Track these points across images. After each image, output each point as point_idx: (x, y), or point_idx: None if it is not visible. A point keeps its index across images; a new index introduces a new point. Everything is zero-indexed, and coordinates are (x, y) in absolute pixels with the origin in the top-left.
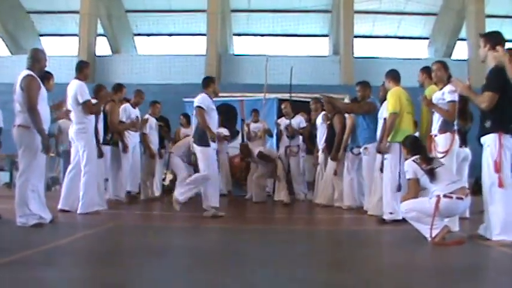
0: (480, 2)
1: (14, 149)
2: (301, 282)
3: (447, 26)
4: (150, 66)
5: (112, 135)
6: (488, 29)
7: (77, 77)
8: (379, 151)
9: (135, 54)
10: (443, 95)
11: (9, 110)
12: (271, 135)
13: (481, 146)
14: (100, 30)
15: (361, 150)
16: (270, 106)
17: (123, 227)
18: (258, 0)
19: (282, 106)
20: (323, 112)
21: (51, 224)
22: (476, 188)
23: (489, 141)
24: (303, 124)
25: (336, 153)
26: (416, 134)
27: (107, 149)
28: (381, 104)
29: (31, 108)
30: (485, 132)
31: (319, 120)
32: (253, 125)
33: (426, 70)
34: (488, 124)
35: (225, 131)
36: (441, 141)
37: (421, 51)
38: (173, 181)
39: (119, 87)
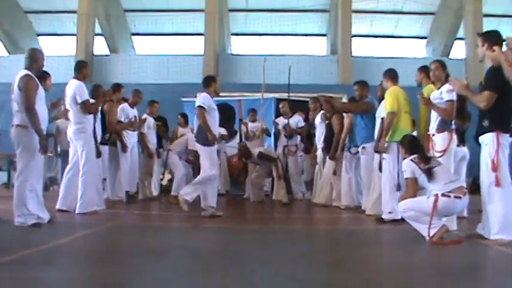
0: (478, 1)
1: (12, 149)
2: (301, 282)
3: (445, 25)
4: (148, 66)
5: (110, 135)
6: (486, 28)
7: (75, 77)
8: (376, 150)
9: (133, 54)
10: (442, 94)
11: (7, 110)
12: (269, 135)
13: (479, 145)
14: (98, 29)
15: (359, 149)
16: (268, 106)
17: (121, 226)
18: (255, 0)
19: (280, 106)
20: (321, 111)
21: (49, 224)
22: (474, 187)
23: (487, 140)
24: (301, 123)
25: (334, 152)
26: (414, 133)
27: (104, 149)
28: (379, 104)
29: (29, 108)
30: (483, 131)
31: (317, 119)
32: (251, 125)
33: (424, 69)
34: (486, 123)
35: (222, 131)
36: (439, 141)
37: (419, 50)
38: (171, 181)
39: (117, 87)
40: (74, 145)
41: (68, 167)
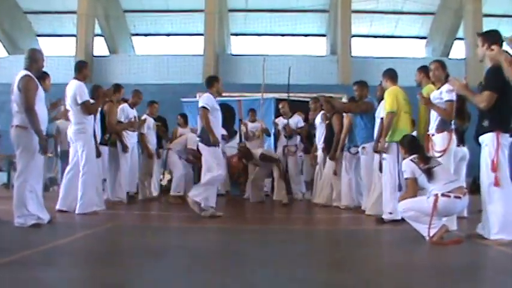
0: (478, 1)
1: (12, 149)
2: (301, 282)
3: (445, 25)
4: (148, 67)
5: (110, 136)
6: (485, 28)
7: (76, 77)
8: (376, 150)
9: (132, 55)
10: (441, 94)
11: (6, 111)
12: (268, 135)
13: (479, 145)
14: (98, 30)
15: (359, 149)
16: (268, 106)
17: (121, 227)
18: (255, 0)
19: (280, 106)
20: (322, 112)
21: (49, 225)
22: (474, 187)
23: (487, 140)
24: (301, 124)
25: (334, 152)
26: (414, 133)
27: (104, 150)
28: (378, 104)
29: (28, 108)
30: (483, 131)
31: (318, 119)
32: (250, 125)
33: (424, 69)
34: (486, 123)
35: (222, 131)
36: (438, 141)
37: (419, 50)
38: (171, 181)
39: (117, 87)
40: (74, 145)
41: (68, 168)
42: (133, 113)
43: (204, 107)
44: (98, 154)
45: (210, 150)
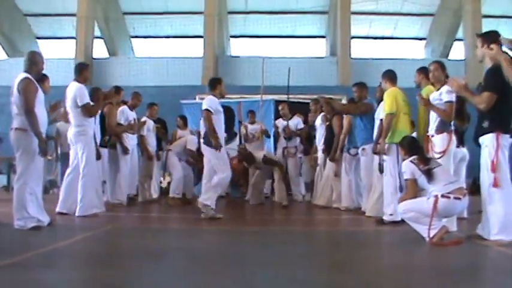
0: (477, 1)
1: (12, 152)
2: (301, 284)
3: (444, 26)
4: (148, 69)
5: (110, 138)
6: (485, 29)
7: (76, 79)
8: (375, 152)
9: (132, 57)
10: (441, 95)
11: (6, 113)
12: (268, 136)
13: (478, 146)
14: (97, 32)
15: (359, 151)
16: (267, 107)
17: (121, 229)
18: (254, 2)
19: (280, 107)
20: (322, 113)
21: (49, 227)
22: (474, 188)
23: (487, 141)
24: (301, 125)
25: (334, 154)
26: (414, 134)
27: (104, 152)
28: (378, 105)
29: (28, 111)
30: (483, 132)
31: (318, 121)
32: (250, 127)
33: (423, 70)
34: (486, 124)
35: None
36: (438, 142)
37: (418, 51)
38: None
39: (117, 89)
40: (75, 148)
41: (68, 170)
42: (132, 115)
43: (207, 110)
44: (98, 156)
45: (214, 152)
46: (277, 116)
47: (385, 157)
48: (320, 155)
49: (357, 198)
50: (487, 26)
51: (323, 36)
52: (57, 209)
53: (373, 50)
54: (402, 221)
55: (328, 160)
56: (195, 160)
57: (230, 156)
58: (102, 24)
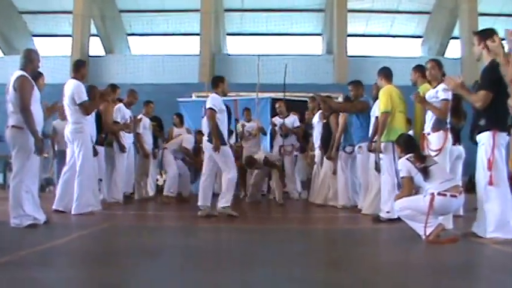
0: (473, 0)
1: (8, 150)
2: (299, 282)
3: (440, 24)
4: (144, 66)
5: (106, 136)
6: (481, 27)
7: (74, 77)
8: (370, 150)
9: (128, 54)
10: (437, 93)
11: (2, 111)
12: (265, 134)
13: (475, 144)
14: (93, 30)
15: (356, 149)
16: (264, 105)
17: (117, 227)
18: (251, 0)
19: (276, 105)
20: (320, 111)
21: (45, 225)
22: (470, 185)
23: (484, 139)
24: (297, 123)
25: (331, 152)
26: (410, 132)
27: (100, 150)
28: (374, 102)
29: (24, 109)
30: (479, 130)
31: (315, 119)
32: (247, 125)
33: (419, 68)
34: (482, 122)
35: None
36: (434, 140)
37: (415, 49)
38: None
39: (113, 87)
40: (72, 146)
41: (65, 168)
42: (128, 113)
43: (211, 108)
44: (95, 153)
45: (221, 150)
46: (274, 113)
47: (381, 155)
48: (317, 152)
49: (352, 196)
50: (483, 24)
51: (319, 34)
52: (54, 207)
53: (369, 47)
54: (399, 219)
55: (325, 158)
56: (190, 158)
57: None
58: (98, 22)
